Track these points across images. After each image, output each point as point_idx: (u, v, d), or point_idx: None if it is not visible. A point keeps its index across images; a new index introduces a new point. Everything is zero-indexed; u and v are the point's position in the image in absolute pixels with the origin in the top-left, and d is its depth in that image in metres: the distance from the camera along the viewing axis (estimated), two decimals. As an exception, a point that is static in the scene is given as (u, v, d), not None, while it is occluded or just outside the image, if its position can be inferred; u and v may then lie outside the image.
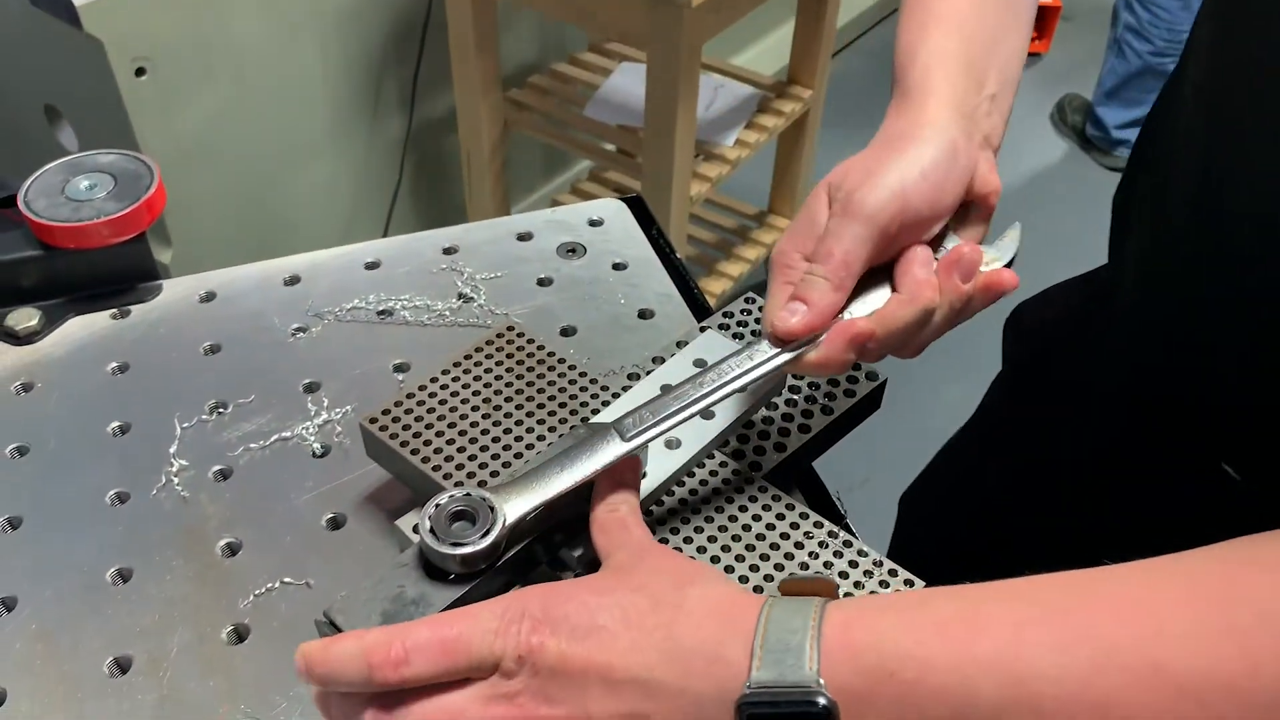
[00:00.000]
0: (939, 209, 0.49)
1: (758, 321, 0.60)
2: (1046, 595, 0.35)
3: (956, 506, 0.83)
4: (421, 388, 0.55)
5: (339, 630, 0.40)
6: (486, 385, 0.55)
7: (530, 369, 0.56)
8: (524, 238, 0.73)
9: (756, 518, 0.49)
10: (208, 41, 1.47)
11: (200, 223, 1.56)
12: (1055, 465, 0.70)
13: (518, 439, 0.53)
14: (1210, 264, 0.52)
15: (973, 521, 0.80)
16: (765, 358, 0.46)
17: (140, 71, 1.41)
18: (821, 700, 0.33)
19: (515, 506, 0.42)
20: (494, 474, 0.51)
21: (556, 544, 0.46)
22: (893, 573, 0.47)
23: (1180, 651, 0.32)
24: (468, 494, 0.42)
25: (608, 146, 1.84)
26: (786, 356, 0.46)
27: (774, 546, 0.48)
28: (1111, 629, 0.33)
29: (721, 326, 0.60)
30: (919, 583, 0.47)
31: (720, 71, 1.92)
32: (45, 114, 1.51)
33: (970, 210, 0.52)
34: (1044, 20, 2.88)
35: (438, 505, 0.42)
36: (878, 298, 0.48)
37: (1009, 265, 0.51)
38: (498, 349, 0.57)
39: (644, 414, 0.45)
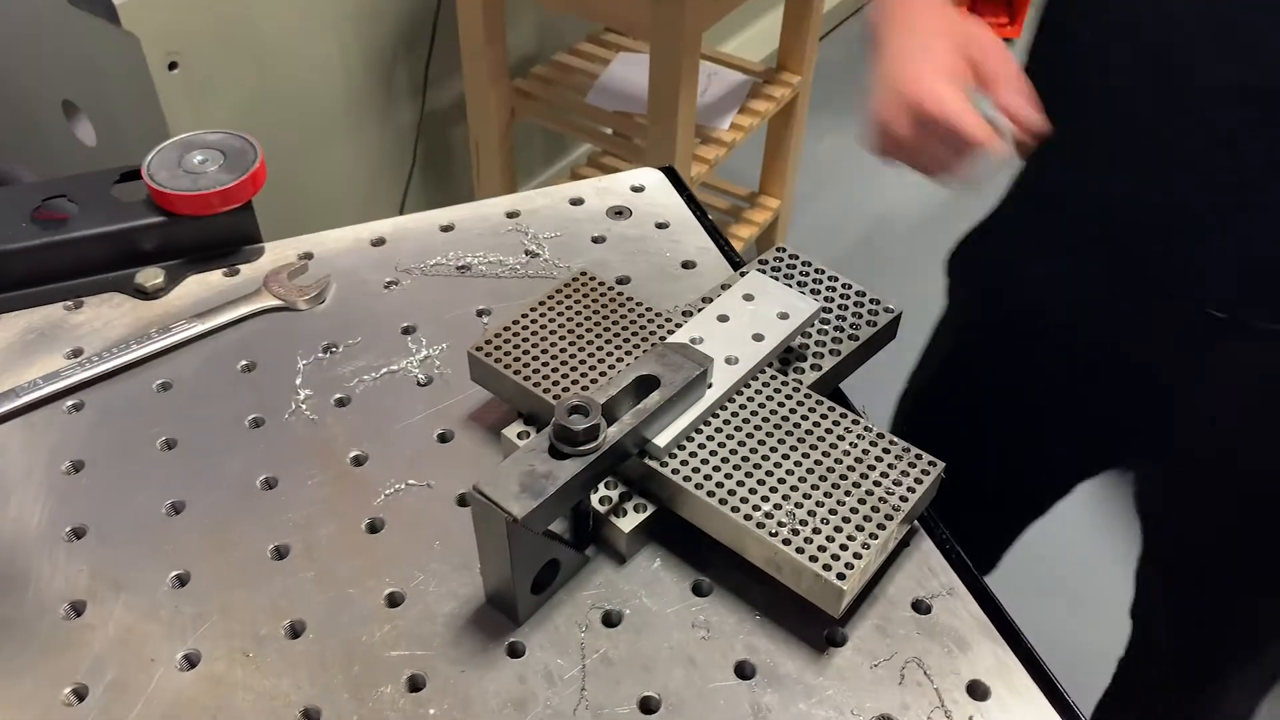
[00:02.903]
0: None
1: (790, 268, 0.71)
2: None
3: (947, 401, 0.96)
4: (515, 322, 0.65)
5: (488, 499, 0.50)
6: (569, 320, 0.65)
7: (605, 305, 0.66)
8: (576, 202, 0.83)
9: (805, 418, 0.60)
10: (234, 35, 1.56)
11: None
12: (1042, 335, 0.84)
13: (601, 360, 0.63)
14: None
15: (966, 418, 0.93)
16: None
17: (173, 65, 1.49)
18: None
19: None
20: (584, 389, 0.61)
21: (643, 439, 0.57)
22: (919, 456, 0.58)
23: None
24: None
25: (608, 131, 1.94)
26: None
27: (820, 439, 0.58)
28: None
29: (759, 270, 0.70)
30: (940, 464, 0.57)
31: (712, 59, 2.03)
32: (63, 109, 1.59)
33: None
34: (1015, 3, 3.00)
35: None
36: None
37: None
38: (574, 290, 0.67)
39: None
